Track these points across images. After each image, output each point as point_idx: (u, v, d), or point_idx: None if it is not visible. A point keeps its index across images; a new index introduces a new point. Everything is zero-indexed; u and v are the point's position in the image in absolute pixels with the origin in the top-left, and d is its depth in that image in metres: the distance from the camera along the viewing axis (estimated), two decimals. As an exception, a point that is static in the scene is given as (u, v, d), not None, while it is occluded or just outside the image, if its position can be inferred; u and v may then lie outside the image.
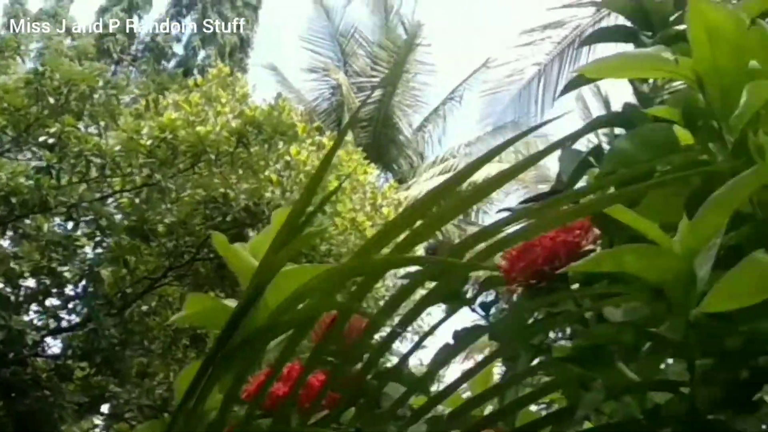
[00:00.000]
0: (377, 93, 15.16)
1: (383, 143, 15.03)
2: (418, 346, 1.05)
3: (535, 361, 0.96)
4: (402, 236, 0.79)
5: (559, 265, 0.94)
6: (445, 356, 1.12)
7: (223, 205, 6.69)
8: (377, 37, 15.84)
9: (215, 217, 6.70)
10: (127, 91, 7.85)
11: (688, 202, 0.95)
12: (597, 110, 13.62)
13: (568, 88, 1.22)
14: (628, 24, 1.31)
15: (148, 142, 6.67)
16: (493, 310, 1.19)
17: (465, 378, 1.01)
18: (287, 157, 7.12)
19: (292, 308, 0.80)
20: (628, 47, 1.29)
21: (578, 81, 1.21)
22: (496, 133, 14.92)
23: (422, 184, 13.80)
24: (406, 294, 0.89)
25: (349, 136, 11.39)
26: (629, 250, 0.81)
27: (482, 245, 0.85)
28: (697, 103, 1.00)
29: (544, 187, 13.50)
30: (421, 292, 1.05)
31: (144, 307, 7.39)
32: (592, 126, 1.18)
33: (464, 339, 1.15)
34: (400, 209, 8.98)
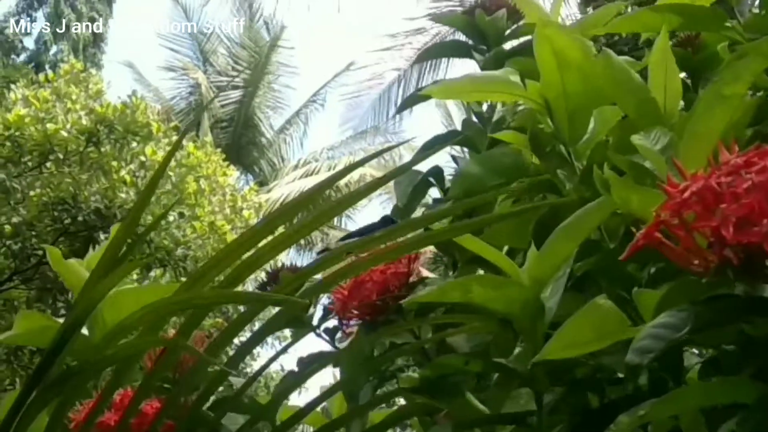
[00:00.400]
0: (238, 93, 14.95)
1: (244, 144, 14.83)
2: (254, 379, 1.01)
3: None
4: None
5: (395, 297, 0.92)
6: (290, 384, 1.09)
7: (73, 207, 6.42)
8: (239, 36, 15.64)
9: (64, 219, 6.43)
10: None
11: (535, 229, 0.94)
12: (458, 116, 13.88)
13: (405, 105, 1.20)
14: (464, 39, 1.30)
15: (-8, 140, 6.35)
16: (339, 335, 1.15)
17: (315, 404, 0.97)
18: (142, 157, 6.90)
19: (117, 341, 0.74)
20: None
21: (418, 98, 1.19)
22: (358, 138, 14.98)
23: (284, 187, 13.69)
24: (246, 320, 0.84)
25: (208, 137, 11.15)
26: (476, 280, 0.79)
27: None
28: (544, 128, 0.99)
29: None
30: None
31: (-13, 312, 7.03)
32: (433, 145, 1.16)
33: (309, 366, 1.11)
34: (261, 212, 8.86)
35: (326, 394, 0.97)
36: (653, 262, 0.87)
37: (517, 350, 0.90)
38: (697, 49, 1.10)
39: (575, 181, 0.94)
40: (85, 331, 1.03)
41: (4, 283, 6.86)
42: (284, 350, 0.95)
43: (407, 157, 15.02)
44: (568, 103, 0.95)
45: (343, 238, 1.15)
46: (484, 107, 1.24)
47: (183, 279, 6.92)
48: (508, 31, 1.26)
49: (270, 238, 0.77)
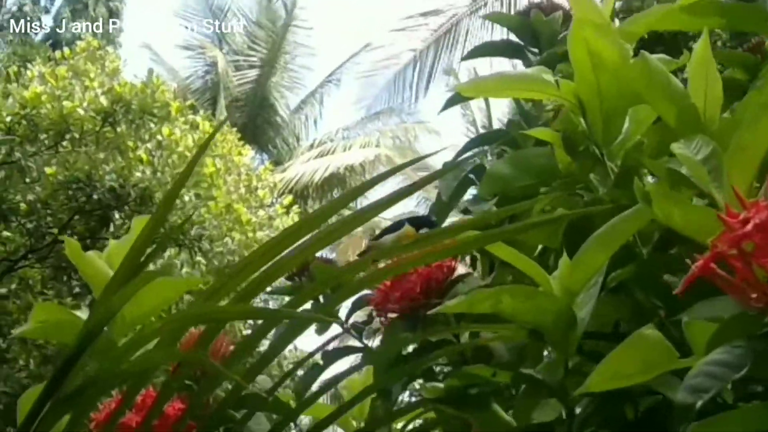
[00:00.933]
0: (254, 73, 14.91)
1: (259, 124, 14.79)
2: (289, 375, 0.99)
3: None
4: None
5: (436, 290, 0.90)
6: (314, 378, 1.07)
7: (88, 185, 6.41)
8: (256, 15, 15.56)
9: (79, 197, 6.42)
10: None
11: (566, 231, 0.92)
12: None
13: (448, 105, 1.17)
14: (515, 39, 1.27)
15: (8, 119, 6.33)
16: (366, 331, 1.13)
17: (349, 406, 0.95)
18: (159, 137, 6.88)
19: (134, 351, 0.72)
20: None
21: (458, 98, 1.16)
22: (373, 118, 14.92)
23: (299, 167, 13.67)
24: (267, 329, 0.82)
25: (224, 116, 11.12)
26: (507, 290, 0.76)
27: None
28: (577, 127, 0.96)
29: (423, 174, 13.63)
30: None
31: (2, 290, 7.03)
32: (474, 144, 1.14)
33: (335, 360, 1.10)
34: (276, 192, 8.84)
35: (362, 394, 0.95)
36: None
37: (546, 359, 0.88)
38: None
39: (609, 184, 0.91)
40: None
41: (18, 261, 6.87)
42: (317, 351, 0.93)
43: (423, 138, 14.99)
44: (603, 105, 0.92)
45: (378, 236, 1.14)
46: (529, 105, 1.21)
47: (198, 258, 6.92)
48: (561, 35, 1.24)
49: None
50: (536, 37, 1.23)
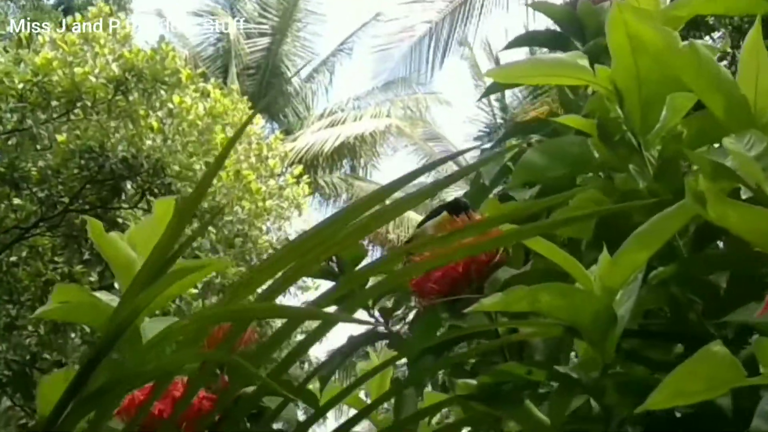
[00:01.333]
0: (266, 41, 14.82)
1: (270, 92, 14.71)
2: (316, 373, 0.97)
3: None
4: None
5: (478, 272, 0.88)
6: (338, 365, 1.05)
7: (100, 155, 6.39)
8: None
9: (91, 167, 6.40)
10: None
11: (600, 222, 0.89)
12: (486, 67, 13.69)
13: (486, 94, 1.14)
14: (558, 29, 1.23)
15: (20, 86, 6.29)
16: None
17: (381, 401, 0.93)
18: (170, 104, 6.84)
19: (158, 349, 0.69)
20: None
21: (496, 87, 1.13)
22: (384, 89, 14.83)
23: (309, 136, 13.62)
24: (291, 328, 0.80)
25: (235, 84, 11.04)
26: (545, 288, 0.73)
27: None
28: (611, 115, 0.93)
29: (433, 145, 13.60)
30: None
31: (13, 258, 7.04)
32: (515, 132, 1.10)
33: (360, 346, 1.07)
34: (286, 161, 8.81)
35: (394, 389, 0.93)
36: (731, 269, 0.82)
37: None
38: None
39: (647, 175, 0.88)
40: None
41: (29, 229, 6.87)
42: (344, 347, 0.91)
43: (434, 108, 14.92)
44: (642, 91, 0.88)
45: (421, 223, 1.11)
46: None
47: (209, 229, 6.90)
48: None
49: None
50: (582, 29, 1.19)
